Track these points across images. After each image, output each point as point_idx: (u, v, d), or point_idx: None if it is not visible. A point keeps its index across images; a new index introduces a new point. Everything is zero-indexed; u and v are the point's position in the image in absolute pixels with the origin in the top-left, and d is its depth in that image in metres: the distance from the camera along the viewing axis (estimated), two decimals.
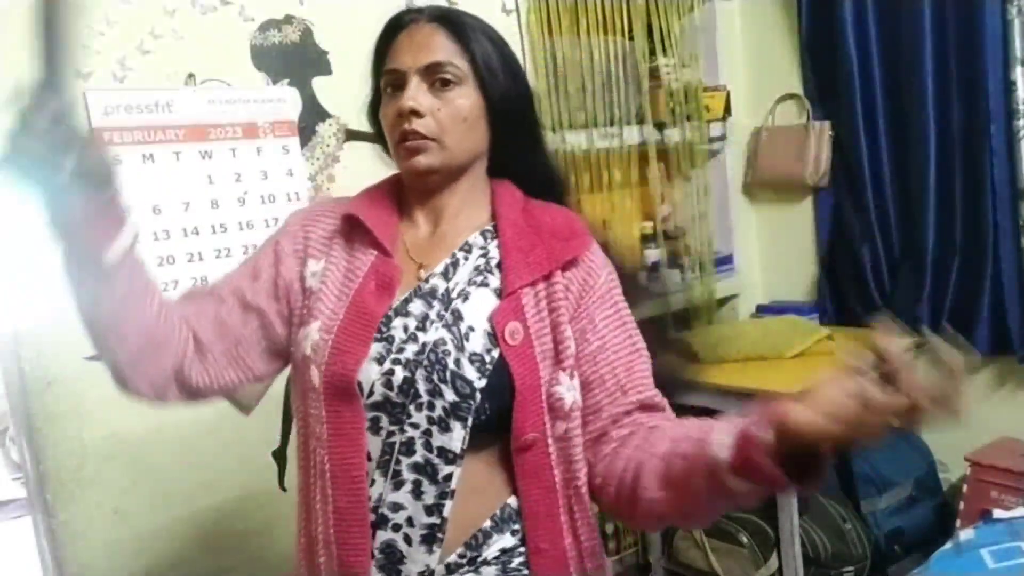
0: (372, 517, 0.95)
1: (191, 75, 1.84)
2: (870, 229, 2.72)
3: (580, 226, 1.05)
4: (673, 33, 2.79)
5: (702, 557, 2.49)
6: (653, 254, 2.93)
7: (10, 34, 1.64)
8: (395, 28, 1.03)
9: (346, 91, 1.95)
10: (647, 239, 2.95)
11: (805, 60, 2.85)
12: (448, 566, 0.96)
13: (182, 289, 1.81)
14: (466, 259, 1.02)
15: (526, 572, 0.99)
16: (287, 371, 2.01)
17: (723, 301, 3.05)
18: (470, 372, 0.94)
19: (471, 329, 0.97)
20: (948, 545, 1.95)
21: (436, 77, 0.99)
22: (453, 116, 0.99)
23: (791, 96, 2.92)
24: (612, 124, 2.65)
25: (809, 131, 2.80)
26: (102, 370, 1.72)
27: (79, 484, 1.71)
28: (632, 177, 2.72)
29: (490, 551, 0.98)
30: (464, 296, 0.99)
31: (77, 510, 1.71)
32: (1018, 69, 2.34)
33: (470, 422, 0.93)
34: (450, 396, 0.93)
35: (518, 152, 1.08)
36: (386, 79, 1.02)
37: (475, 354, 0.95)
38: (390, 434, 0.95)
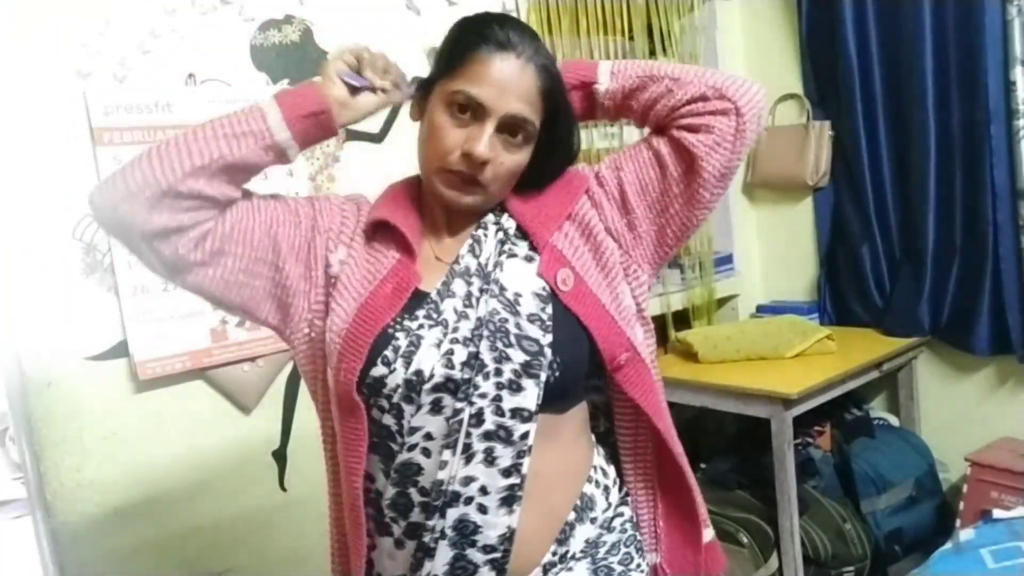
0: (441, 499, 0.96)
1: (191, 75, 1.84)
2: (870, 229, 2.72)
3: (573, 170, 1.10)
4: (673, 33, 2.79)
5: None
6: None
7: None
8: (484, 41, 0.97)
9: None
10: None
11: (805, 60, 2.85)
12: (544, 567, 1.00)
13: (181, 290, 1.81)
14: (485, 235, 1.05)
15: (613, 560, 1.05)
16: (286, 371, 2.01)
17: (723, 301, 3.05)
18: (534, 331, 0.97)
19: (518, 295, 0.99)
20: (948, 545, 1.95)
21: (509, 127, 0.98)
22: (510, 169, 1.01)
23: (791, 96, 2.92)
24: (612, 124, 2.65)
25: (809, 131, 2.80)
26: (102, 370, 1.73)
27: (79, 484, 1.71)
28: None
29: (577, 544, 1.02)
30: (499, 266, 1.02)
31: (77, 510, 1.71)
32: (1018, 69, 2.34)
33: (543, 378, 0.96)
34: (520, 357, 0.95)
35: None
36: (461, 96, 0.97)
37: (532, 315, 0.98)
38: (456, 411, 0.95)
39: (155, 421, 1.80)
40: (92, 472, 1.72)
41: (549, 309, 0.99)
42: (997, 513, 2.03)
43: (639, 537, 1.10)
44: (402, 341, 0.97)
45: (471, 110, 0.97)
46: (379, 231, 1.05)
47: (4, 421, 3.89)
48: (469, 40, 0.98)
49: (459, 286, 1.00)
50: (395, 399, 0.97)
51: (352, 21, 2.08)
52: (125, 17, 1.75)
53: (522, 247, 1.04)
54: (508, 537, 0.96)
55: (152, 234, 0.94)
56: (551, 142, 1.03)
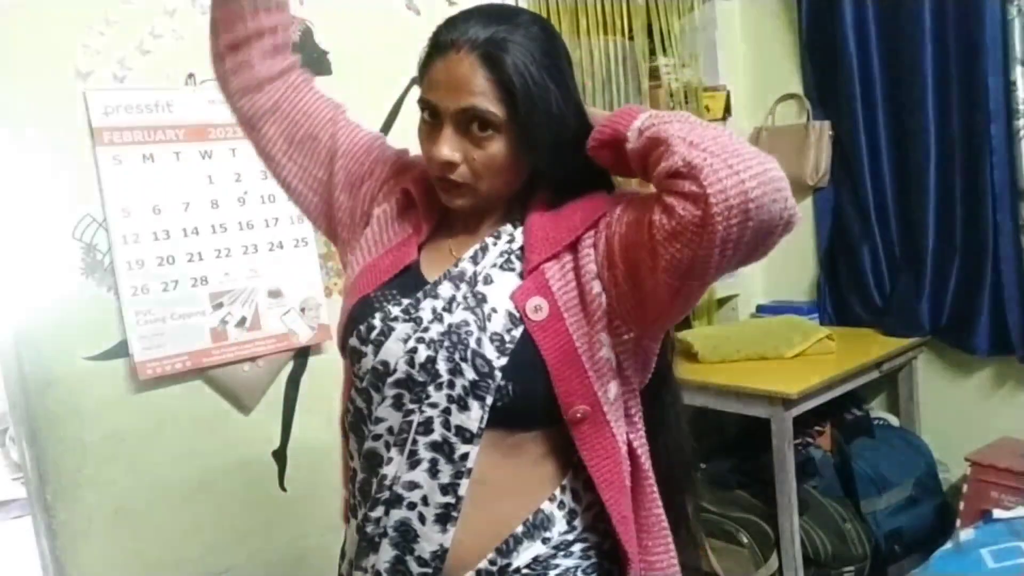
0: (386, 495, 0.96)
1: (191, 75, 1.84)
2: (870, 229, 2.72)
3: (602, 195, 1.03)
4: (673, 33, 2.79)
5: (702, 557, 2.49)
6: None
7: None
8: (434, 48, 0.99)
9: (346, 91, 1.96)
10: None
11: (805, 60, 2.85)
12: (479, 572, 0.97)
13: (181, 290, 1.81)
14: (495, 244, 1.03)
15: None
16: (286, 371, 2.01)
17: (723, 301, 3.05)
18: (489, 351, 0.94)
19: (493, 311, 0.97)
20: (948, 545, 1.95)
21: (472, 122, 0.96)
22: (487, 164, 0.98)
23: (791, 96, 2.92)
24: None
25: (809, 131, 2.80)
26: (102, 370, 1.74)
27: (79, 484, 1.71)
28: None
29: (521, 559, 0.98)
30: (488, 279, 1.00)
31: (77, 510, 1.71)
32: (1018, 69, 2.34)
33: (488, 401, 0.93)
34: (470, 375, 0.93)
35: (562, 171, 1.03)
36: (422, 103, 1.00)
37: (495, 334, 0.95)
38: (408, 412, 0.96)
39: (155, 421, 1.80)
40: (92, 472, 1.72)
41: (516, 333, 0.95)
42: (997, 513, 2.03)
43: (609, 567, 1.03)
44: (378, 322, 0.99)
45: (433, 112, 0.98)
46: (411, 200, 1.08)
47: (4, 421, 3.89)
48: (426, 50, 1.01)
49: (446, 289, 1.00)
50: (364, 384, 0.99)
51: (352, 21, 2.08)
52: (125, 17, 1.75)
53: (520, 265, 1.01)
54: (440, 556, 0.96)
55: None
56: (530, 126, 0.96)
